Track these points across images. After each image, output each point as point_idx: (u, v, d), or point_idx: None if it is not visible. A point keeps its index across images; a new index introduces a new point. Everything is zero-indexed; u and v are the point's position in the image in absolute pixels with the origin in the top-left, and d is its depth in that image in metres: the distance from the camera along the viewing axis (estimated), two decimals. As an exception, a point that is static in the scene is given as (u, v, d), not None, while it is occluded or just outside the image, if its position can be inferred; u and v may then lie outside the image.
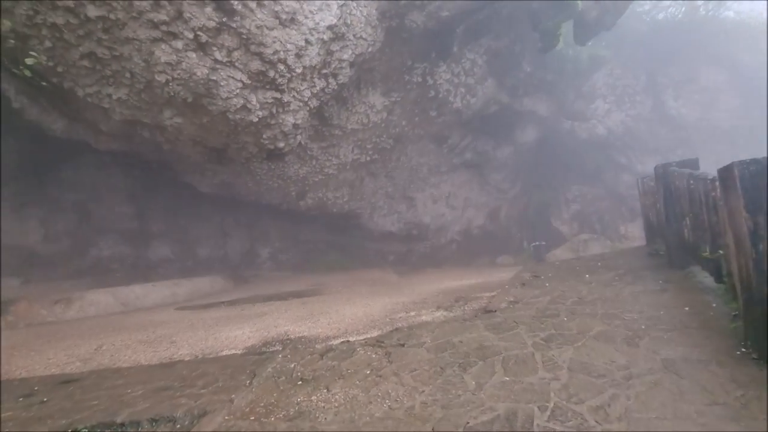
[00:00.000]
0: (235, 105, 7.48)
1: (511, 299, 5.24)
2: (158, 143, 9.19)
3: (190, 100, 7.28)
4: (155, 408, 3.17)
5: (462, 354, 3.58)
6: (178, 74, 6.90)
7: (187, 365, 4.12)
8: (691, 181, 4.75)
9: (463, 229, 16.58)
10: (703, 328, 3.52)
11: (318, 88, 8.38)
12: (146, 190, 12.51)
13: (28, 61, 4.07)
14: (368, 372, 3.47)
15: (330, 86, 8.58)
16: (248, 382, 3.54)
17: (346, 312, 6.69)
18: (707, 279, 4.69)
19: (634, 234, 14.16)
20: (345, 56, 8.32)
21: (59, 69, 7.15)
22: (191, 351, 4.95)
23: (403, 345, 3.95)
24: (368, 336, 4.62)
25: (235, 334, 5.68)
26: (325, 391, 3.25)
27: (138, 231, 12.51)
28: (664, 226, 6.19)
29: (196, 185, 11.65)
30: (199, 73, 6.94)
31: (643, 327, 3.72)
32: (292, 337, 5.27)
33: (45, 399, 3.48)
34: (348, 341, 4.32)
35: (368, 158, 12.75)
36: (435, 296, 7.53)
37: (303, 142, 9.46)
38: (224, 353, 4.68)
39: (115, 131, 9.15)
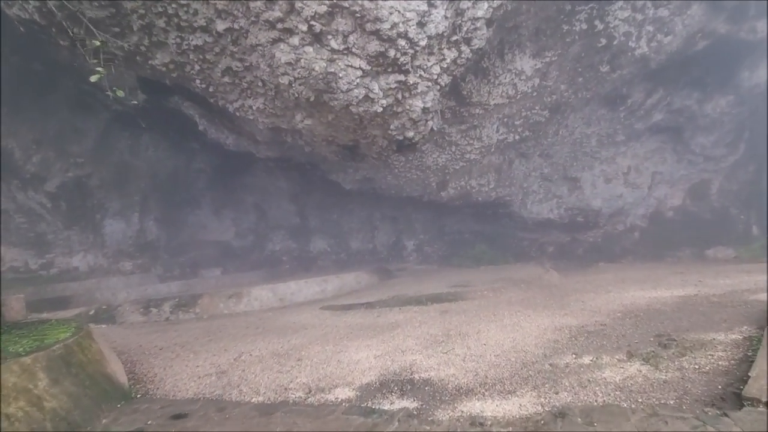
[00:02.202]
0: (356, 96, 6.49)
1: (798, 373, 2.68)
2: (300, 146, 9.11)
3: (312, 98, 6.63)
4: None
5: None
6: (298, 73, 6.27)
7: (285, 417, 3.27)
8: None
9: (651, 212, 12.39)
10: None
11: (448, 60, 6.69)
12: (303, 190, 13.14)
13: (92, 78, 3.77)
14: None
15: (463, 55, 6.77)
16: (334, 480, 2.38)
17: (489, 337, 5.02)
18: None
19: None
20: (479, 13, 6.37)
21: (211, 89, 7.45)
22: (308, 380, 4.19)
23: (577, 465, 2.16)
24: (515, 412, 2.92)
25: (359, 357, 4.74)
26: None
27: (300, 227, 13.30)
28: None
29: (341, 183, 11.50)
30: (317, 68, 6.16)
31: None
32: (415, 378, 3.98)
33: (144, 444, 3.09)
34: (482, 425, 2.73)
35: (517, 137, 10.36)
36: (619, 320, 5.10)
37: (436, 128, 7.94)
38: (333, 396, 3.72)
39: (267, 139, 9.44)
